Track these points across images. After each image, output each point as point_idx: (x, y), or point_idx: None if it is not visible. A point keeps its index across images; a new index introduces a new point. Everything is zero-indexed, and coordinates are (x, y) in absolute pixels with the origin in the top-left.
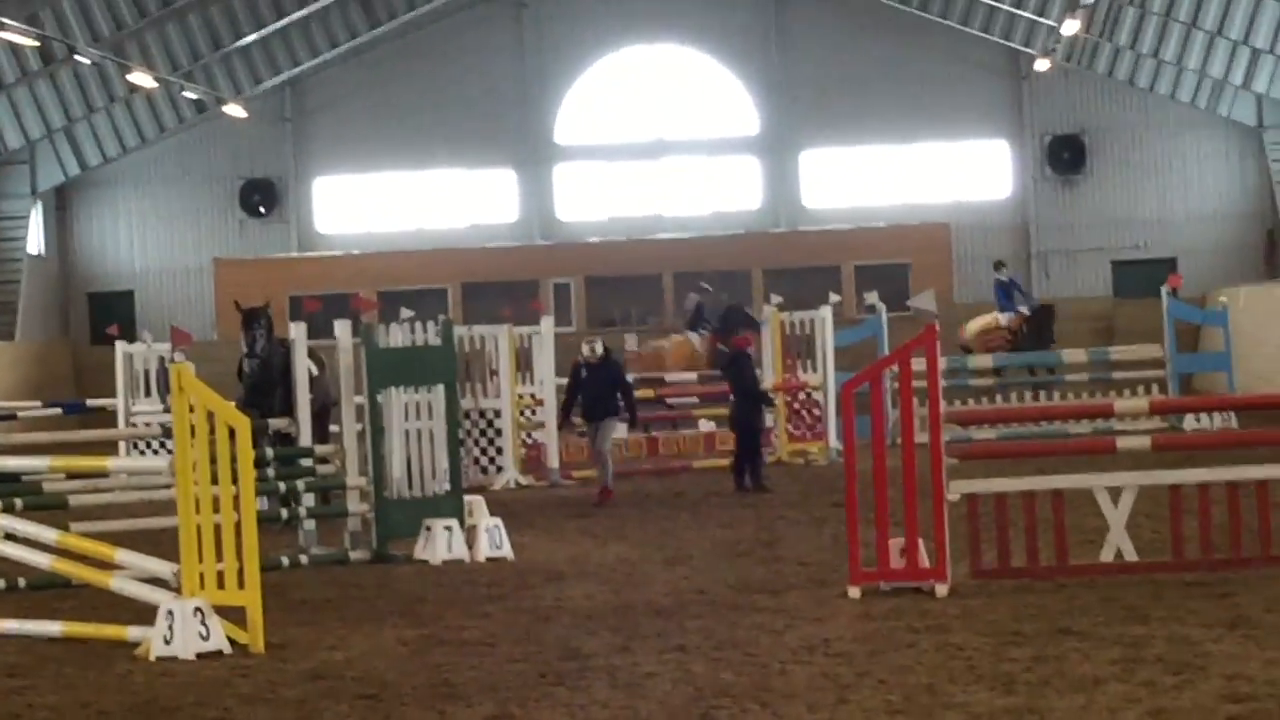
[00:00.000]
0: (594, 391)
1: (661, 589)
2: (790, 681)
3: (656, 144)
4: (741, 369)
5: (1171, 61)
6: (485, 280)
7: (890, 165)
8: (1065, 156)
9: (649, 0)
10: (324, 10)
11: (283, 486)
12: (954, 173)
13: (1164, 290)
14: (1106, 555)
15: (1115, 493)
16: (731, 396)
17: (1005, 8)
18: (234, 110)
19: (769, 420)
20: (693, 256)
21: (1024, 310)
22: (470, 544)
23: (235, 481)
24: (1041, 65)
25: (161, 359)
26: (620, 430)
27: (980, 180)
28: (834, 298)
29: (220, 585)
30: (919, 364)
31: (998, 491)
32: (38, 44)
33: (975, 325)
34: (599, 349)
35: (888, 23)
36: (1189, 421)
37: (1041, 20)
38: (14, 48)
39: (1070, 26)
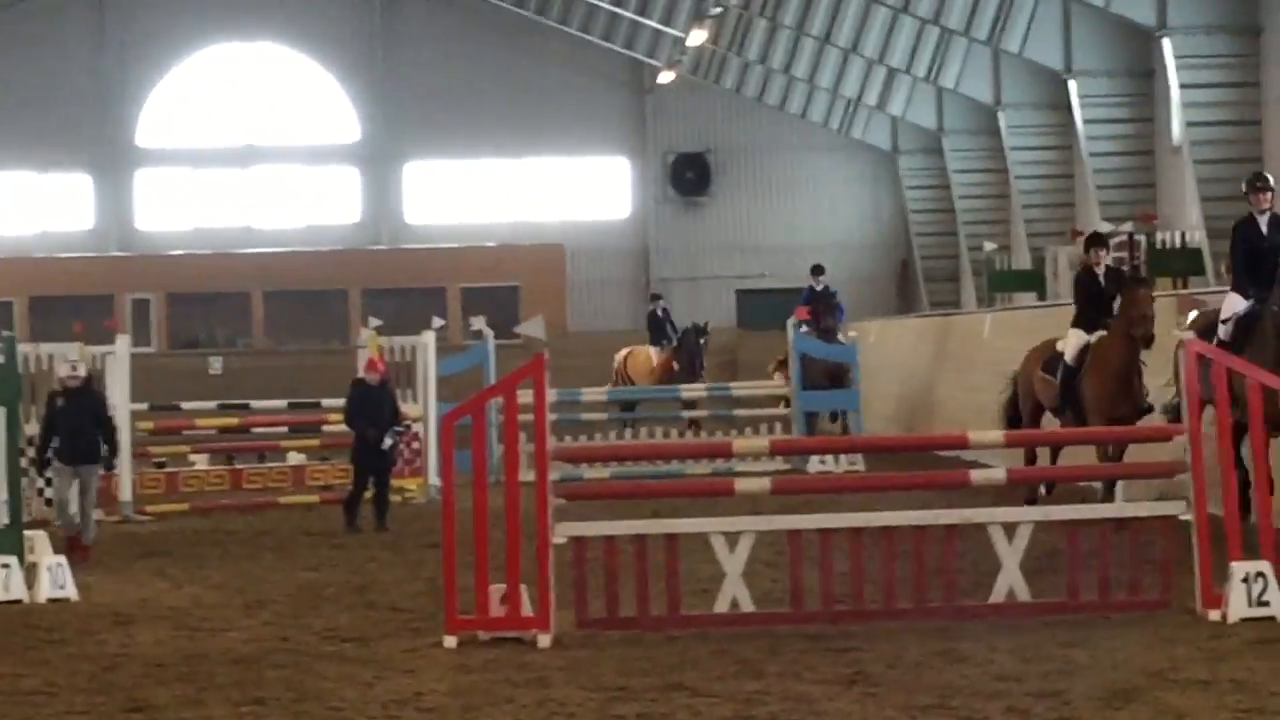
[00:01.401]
0: (70, 426)
1: (240, 636)
2: None
3: (248, 150)
4: (357, 397)
5: (803, 79)
6: (56, 294)
7: (502, 180)
8: (689, 176)
9: None
10: None
11: None
12: (571, 190)
13: (790, 322)
14: (721, 605)
15: (732, 538)
16: (357, 426)
17: (628, 15)
18: None
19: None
20: (285, 273)
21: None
22: (30, 583)
23: None
24: (665, 78)
25: None
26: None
27: (598, 199)
28: (438, 322)
29: None
30: (526, 396)
31: (607, 535)
32: None
33: (643, 365)
34: (80, 370)
35: (503, 28)
36: (813, 463)
37: (667, 30)
38: None
39: (697, 37)
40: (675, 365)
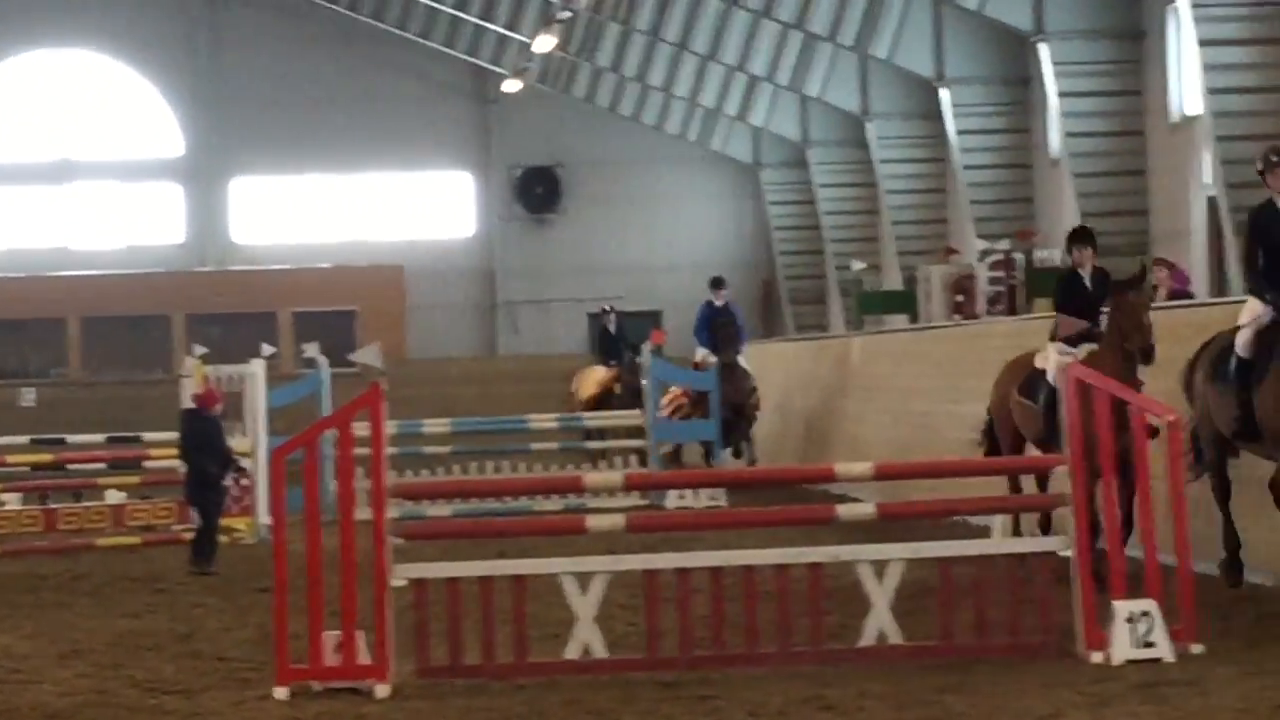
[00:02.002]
0: None
1: (54, 689)
2: None
3: (62, 165)
4: (191, 430)
5: (659, 87)
6: None
7: (337, 198)
8: (537, 192)
9: None
10: None
11: None
12: (410, 208)
13: (646, 348)
14: (572, 651)
15: (584, 579)
16: (198, 461)
17: (472, 19)
18: None
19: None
20: (103, 298)
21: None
22: None
23: None
24: (511, 87)
25: None
26: None
27: (440, 217)
28: (268, 349)
29: None
30: (363, 428)
31: (449, 576)
32: None
33: (585, 385)
34: None
35: (337, 34)
36: (672, 498)
37: (512, 35)
38: None
39: (544, 43)
40: (617, 388)
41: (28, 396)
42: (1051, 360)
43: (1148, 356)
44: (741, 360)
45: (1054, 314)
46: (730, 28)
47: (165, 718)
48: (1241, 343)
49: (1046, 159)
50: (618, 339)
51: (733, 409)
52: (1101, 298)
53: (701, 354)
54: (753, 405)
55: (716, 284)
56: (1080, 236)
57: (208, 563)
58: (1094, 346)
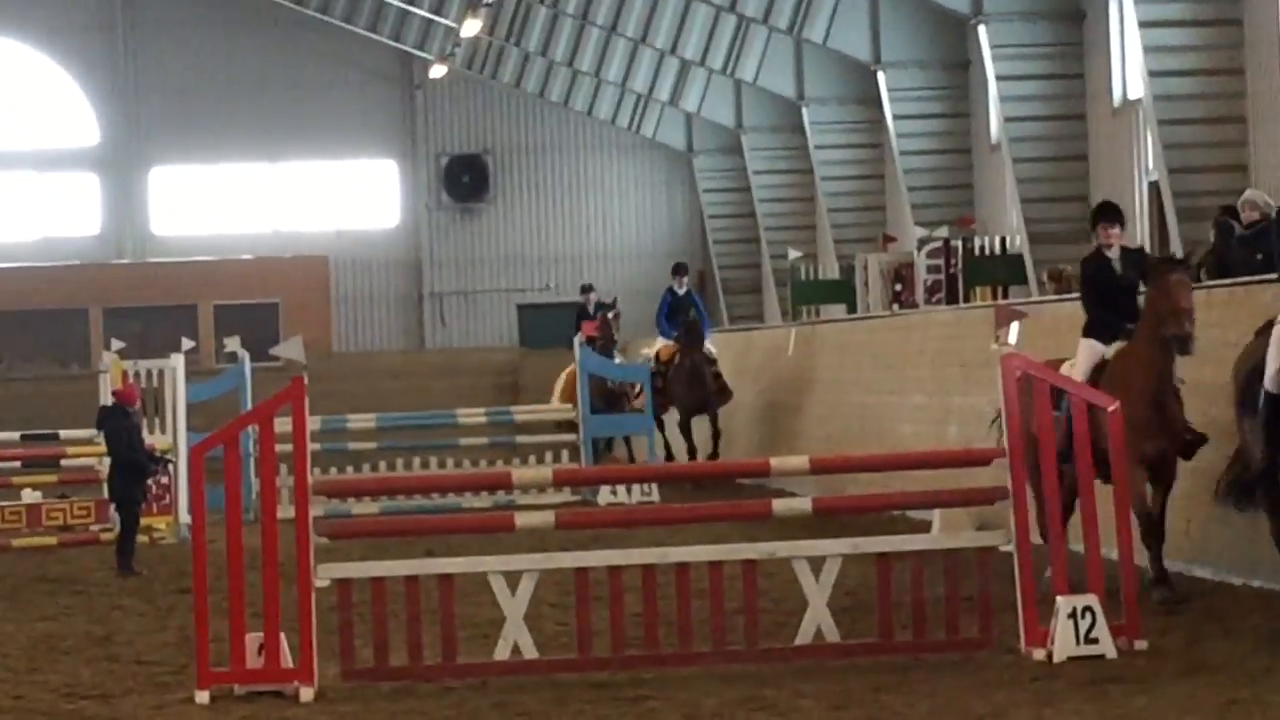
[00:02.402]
0: None
1: None
2: None
3: None
4: (118, 427)
5: (589, 72)
6: None
7: (260, 187)
8: (465, 181)
9: None
10: None
11: None
12: (335, 197)
13: (577, 340)
14: (502, 652)
15: (513, 578)
16: (124, 457)
17: (395, 3)
18: None
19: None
20: (18, 291)
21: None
22: None
23: None
24: (437, 72)
25: None
26: None
27: (365, 207)
28: (188, 343)
29: None
30: (285, 424)
31: (375, 576)
32: None
33: (570, 374)
34: None
35: (260, 19)
36: (604, 494)
37: (438, 19)
38: None
39: (471, 27)
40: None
41: None
42: (1082, 361)
43: (1184, 346)
44: (709, 346)
45: (1082, 304)
46: (662, 11)
47: None
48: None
49: (986, 144)
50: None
51: (688, 410)
52: (1135, 281)
53: (661, 343)
54: (721, 399)
55: (678, 270)
56: (1107, 213)
57: (131, 562)
58: (1124, 343)
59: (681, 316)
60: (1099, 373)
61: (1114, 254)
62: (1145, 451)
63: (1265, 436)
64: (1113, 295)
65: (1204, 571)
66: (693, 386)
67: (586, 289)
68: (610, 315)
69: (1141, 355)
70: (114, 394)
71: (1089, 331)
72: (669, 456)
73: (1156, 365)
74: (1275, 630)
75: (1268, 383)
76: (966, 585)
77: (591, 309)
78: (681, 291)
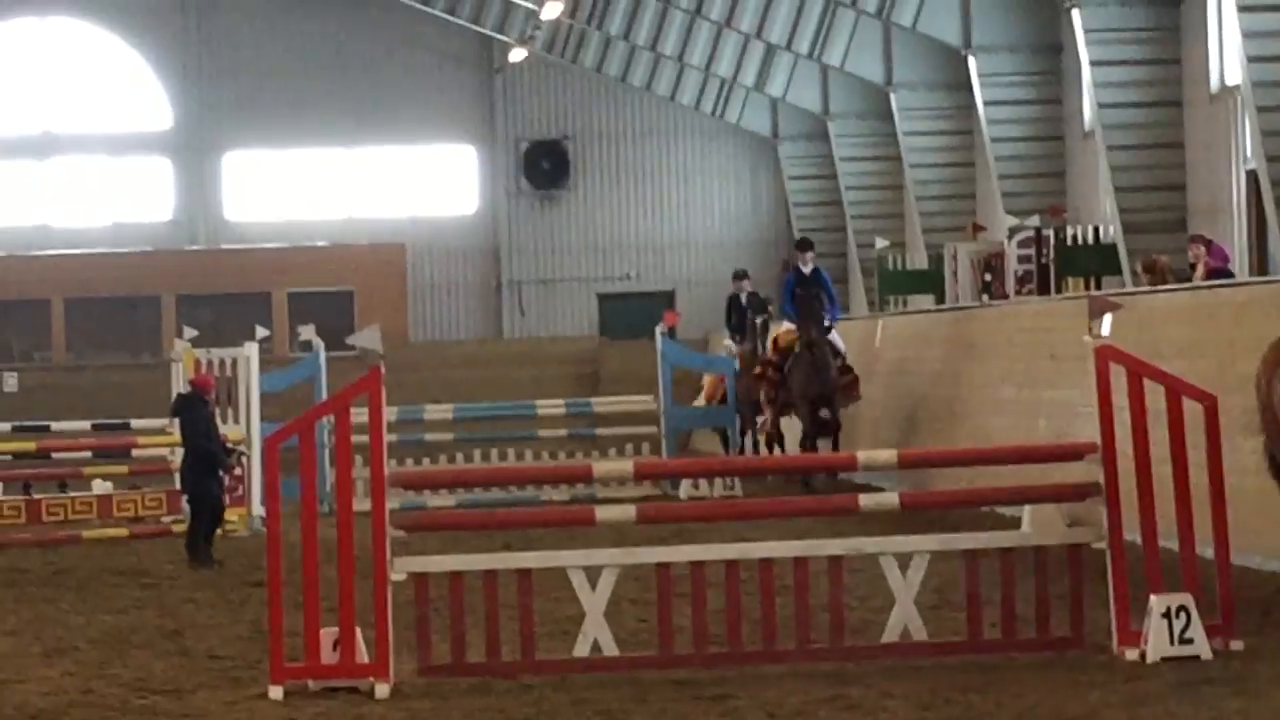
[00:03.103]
0: None
1: (38, 688)
2: None
3: (44, 139)
4: (195, 416)
5: (672, 57)
6: None
7: (335, 173)
8: (544, 167)
9: None
10: None
11: None
12: (412, 183)
13: (659, 330)
14: (581, 649)
15: (593, 573)
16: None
17: None
18: None
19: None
20: (89, 278)
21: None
22: None
23: None
24: (517, 56)
25: None
26: None
27: (443, 194)
28: (262, 331)
29: None
30: (361, 414)
31: (452, 570)
32: None
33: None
34: None
35: (336, 1)
36: (685, 488)
37: (518, 2)
38: None
39: (552, 10)
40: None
41: (9, 382)
42: None
43: None
44: (834, 338)
45: None
46: None
47: (155, 719)
48: None
49: (1079, 131)
50: (745, 311)
51: (811, 402)
52: None
53: (783, 328)
54: (844, 392)
55: (803, 246)
56: None
57: (206, 554)
58: None
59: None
60: None
61: None
62: None
63: None
64: None
65: None
66: (812, 375)
67: (740, 275)
68: (758, 321)
69: None
70: (190, 382)
71: None
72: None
73: None
74: None
75: None
76: (1058, 583)
77: (744, 298)
78: (808, 269)
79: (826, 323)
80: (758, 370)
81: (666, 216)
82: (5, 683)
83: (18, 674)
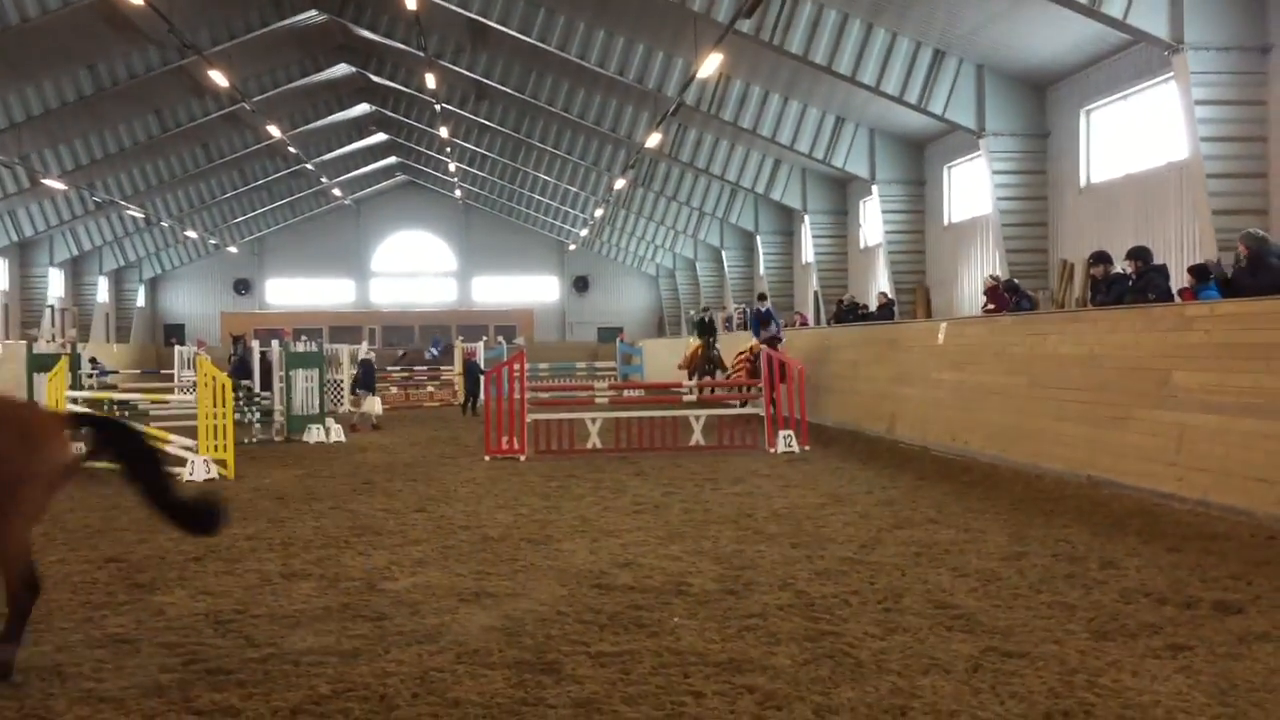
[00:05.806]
0: (367, 379)
1: (404, 457)
2: None
3: None
4: (473, 367)
5: None
6: None
7: (490, 284)
8: (582, 285)
9: None
10: None
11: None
12: (528, 289)
13: (618, 340)
14: (589, 444)
15: (594, 421)
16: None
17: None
18: (230, 248)
19: None
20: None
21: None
22: (330, 437)
23: (222, 406)
24: (574, 244)
25: (195, 353)
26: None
27: (541, 292)
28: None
29: (216, 450)
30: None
31: (544, 419)
32: (142, 214)
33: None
34: (371, 355)
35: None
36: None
37: (575, 213)
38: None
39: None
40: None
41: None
42: None
43: None
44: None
45: None
46: None
47: (445, 465)
48: None
49: None
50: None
51: (719, 367)
52: None
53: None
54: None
55: (762, 297)
56: None
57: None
58: None
59: None
60: None
61: None
62: None
63: None
64: None
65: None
66: (720, 361)
67: (761, 297)
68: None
69: None
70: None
71: None
72: None
73: None
74: None
75: None
76: (749, 426)
77: (750, 313)
78: (764, 307)
79: (778, 335)
80: (739, 357)
81: None
82: (389, 449)
83: (408, 442)
